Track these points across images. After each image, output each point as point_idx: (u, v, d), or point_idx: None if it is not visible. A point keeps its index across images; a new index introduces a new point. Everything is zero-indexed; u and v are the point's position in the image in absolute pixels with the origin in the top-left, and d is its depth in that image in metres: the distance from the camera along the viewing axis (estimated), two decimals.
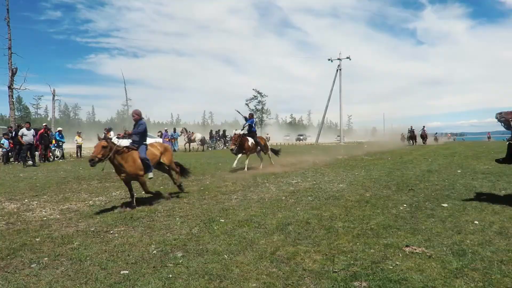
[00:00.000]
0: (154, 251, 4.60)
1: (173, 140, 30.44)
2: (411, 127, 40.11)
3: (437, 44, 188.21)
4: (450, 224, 5.58)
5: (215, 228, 5.61)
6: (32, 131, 18.40)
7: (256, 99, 79.72)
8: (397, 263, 4.07)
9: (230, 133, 34.51)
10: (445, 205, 6.84)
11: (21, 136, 17.84)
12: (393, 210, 6.53)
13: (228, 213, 6.60)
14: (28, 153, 17.89)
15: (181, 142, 32.63)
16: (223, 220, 6.06)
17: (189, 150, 31.06)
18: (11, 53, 29.42)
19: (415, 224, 5.60)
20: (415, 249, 4.47)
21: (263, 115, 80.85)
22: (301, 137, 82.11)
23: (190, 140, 31.97)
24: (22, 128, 18.96)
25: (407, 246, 4.59)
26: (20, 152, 18.81)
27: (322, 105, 57.88)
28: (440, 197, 7.60)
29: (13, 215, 6.81)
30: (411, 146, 33.78)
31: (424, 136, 39.21)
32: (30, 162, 17.59)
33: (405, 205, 6.89)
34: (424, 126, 40.05)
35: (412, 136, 38.93)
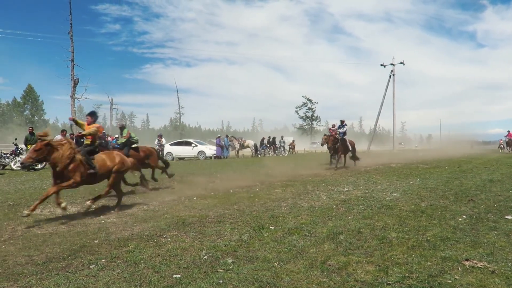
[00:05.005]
0: (205, 257, 4.67)
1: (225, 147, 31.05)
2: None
3: (500, 46, 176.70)
4: None
5: (265, 235, 5.61)
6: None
7: (306, 106, 79.43)
8: (456, 277, 3.85)
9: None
10: (510, 217, 6.40)
11: None
12: (451, 222, 6.21)
13: (278, 220, 6.57)
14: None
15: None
16: (273, 227, 6.05)
17: (238, 156, 31.51)
18: (74, 64, 31.43)
19: (475, 237, 5.28)
20: (476, 264, 4.21)
21: (313, 122, 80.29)
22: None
23: (242, 147, 32.49)
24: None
25: (467, 259, 4.34)
26: None
27: (374, 112, 56.34)
28: (503, 208, 7.14)
29: (74, 217, 7.19)
30: None
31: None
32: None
33: (464, 217, 6.53)
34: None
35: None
